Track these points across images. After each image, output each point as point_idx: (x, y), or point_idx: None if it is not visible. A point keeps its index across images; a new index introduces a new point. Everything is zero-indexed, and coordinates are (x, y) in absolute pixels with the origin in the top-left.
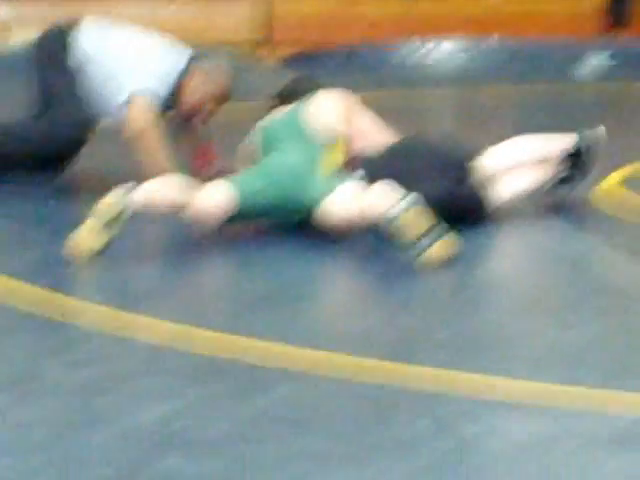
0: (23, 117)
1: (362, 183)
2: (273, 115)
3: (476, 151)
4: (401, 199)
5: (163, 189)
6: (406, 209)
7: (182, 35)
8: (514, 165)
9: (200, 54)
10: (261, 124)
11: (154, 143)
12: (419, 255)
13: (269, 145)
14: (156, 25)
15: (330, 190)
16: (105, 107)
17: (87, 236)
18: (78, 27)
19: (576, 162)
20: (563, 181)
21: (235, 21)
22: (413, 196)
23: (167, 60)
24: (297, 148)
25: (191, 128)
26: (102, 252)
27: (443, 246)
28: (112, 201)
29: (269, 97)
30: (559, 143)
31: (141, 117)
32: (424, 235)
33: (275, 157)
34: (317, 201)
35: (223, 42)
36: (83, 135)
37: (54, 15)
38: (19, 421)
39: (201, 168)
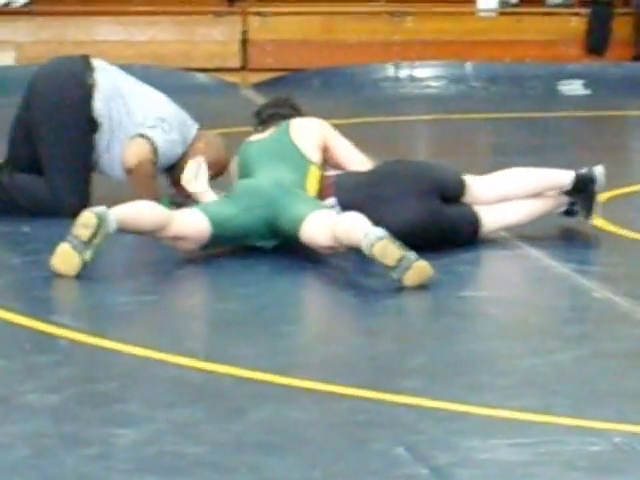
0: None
1: (333, 211)
2: (257, 137)
3: (459, 176)
4: (367, 234)
5: (139, 210)
6: (372, 244)
7: (159, 60)
8: (506, 197)
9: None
10: (246, 144)
11: (146, 179)
12: (399, 279)
13: (254, 164)
14: (134, 49)
15: (303, 217)
16: (111, 167)
17: (66, 256)
18: (92, 67)
19: (576, 199)
20: (565, 213)
21: (210, 47)
22: (379, 230)
23: (183, 123)
24: (284, 167)
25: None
26: (82, 271)
27: (419, 269)
28: (87, 219)
29: (251, 116)
30: (555, 180)
31: (139, 153)
32: (398, 262)
33: (248, 182)
34: (292, 226)
35: (199, 68)
36: (86, 202)
37: (32, 39)
38: None
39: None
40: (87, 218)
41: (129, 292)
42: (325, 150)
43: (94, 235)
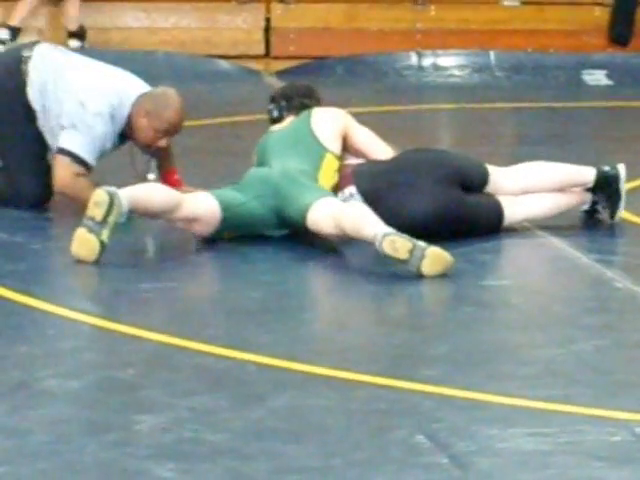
0: None
1: (338, 200)
2: (278, 126)
3: (482, 166)
4: (375, 235)
5: (149, 191)
6: (380, 243)
7: (182, 46)
8: (528, 190)
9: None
10: (267, 134)
11: (82, 192)
12: (418, 270)
13: (269, 153)
14: (157, 36)
15: (308, 205)
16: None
17: (84, 241)
18: (31, 54)
19: (600, 198)
20: (588, 212)
21: (234, 34)
22: (384, 228)
23: (116, 94)
24: (297, 157)
25: (158, 153)
26: (103, 256)
27: (435, 256)
28: (98, 196)
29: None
30: (579, 176)
31: (63, 175)
32: (410, 253)
33: (256, 171)
34: (299, 214)
35: (222, 55)
36: (48, 190)
37: (55, 25)
38: (13, 430)
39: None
40: (98, 196)
41: (150, 279)
42: (346, 139)
43: (108, 212)
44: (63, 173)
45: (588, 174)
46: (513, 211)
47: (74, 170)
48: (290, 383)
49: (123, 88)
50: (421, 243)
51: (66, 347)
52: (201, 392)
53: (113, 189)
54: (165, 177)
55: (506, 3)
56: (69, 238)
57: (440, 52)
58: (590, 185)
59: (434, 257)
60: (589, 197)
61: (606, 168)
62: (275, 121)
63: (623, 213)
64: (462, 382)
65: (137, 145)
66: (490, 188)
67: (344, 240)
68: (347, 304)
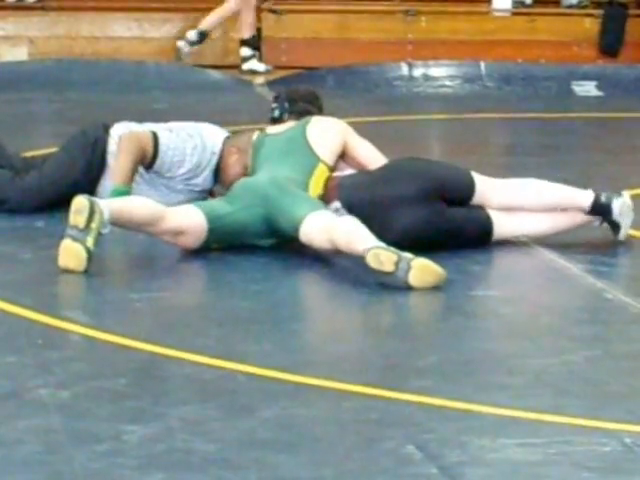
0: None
1: (332, 213)
2: (274, 129)
3: (468, 176)
4: (365, 249)
5: (131, 203)
6: (365, 257)
7: (172, 56)
8: (519, 207)
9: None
10: (262, 135)
11: (130, 146)
12: (406, 282)
13: (262, 159)
14: (148, 46)
15: (301, 218)
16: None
17: (70, 250)
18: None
19: (600, 219)
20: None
21: (225, 44)
22: (370, 241)
23: (207, 149)
24: (289, 165)
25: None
26: (92, 265)
27: (422, 267)
28: (79, 204)
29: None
30: (574, 200)
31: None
32: (396, 265)
33: (246, 181)
34: (291, 226)
35: (213, 65)
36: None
37: (46, 34)
38: (3, 440)
39: None
40: (78, 203)
41: (141, 289)
42: (346, 151)
43: (90, 219)
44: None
45: (584, 200)
46: (507, 227)
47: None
48: (281, 393)
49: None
50: (407, 255)
51: (56, 357)
52: (191, 402)
53: (92, 197)
54: None
55: (496, 14)
56: (58, 248)
57: (431, 63)
58: (586, 210)
59: (421, 268)
60: (588, 218)
61: (602, 198)
62: (275, 121)
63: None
64: (452, 392)
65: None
66: (477, 199)
67: (336, 253)
68: (337, 314)
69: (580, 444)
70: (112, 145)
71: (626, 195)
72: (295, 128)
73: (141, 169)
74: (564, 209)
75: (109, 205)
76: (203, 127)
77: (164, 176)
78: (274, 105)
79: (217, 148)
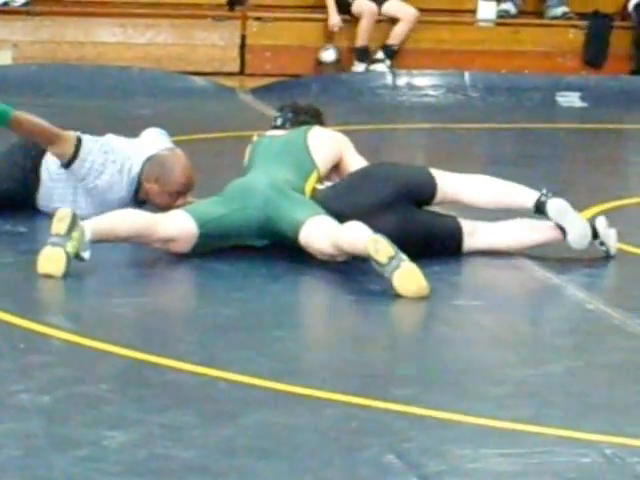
0: None
1: (332, 218)
2: (274, 132)
3: (429, 175)
4: (367, 238)
5: (114, 218)
6: (366, 242)
7: (158, 62)
8: (462, 200)
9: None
10: (261, 137)
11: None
12: (390, 279)
13: (259, 159)
14: (132, 52)
15: (302, 221)
16: None
17: (50, 256)
18: None
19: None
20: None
21: (209, 51)
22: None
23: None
24: (287, 167)
25: None
26: (71, 269)
27: (409, 270)
28: (61, 212)
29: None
30: (517, 197)
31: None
32: (389, 260)
33: (241, 182)
34: (291, 229)
35: (197, 71)
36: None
37: (30, 39)
38: None
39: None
40: (61, 212)
41: (122, 294)
42: (340, 164)
43: (71, 226)
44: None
45: (528, 198)
46: (476, 238)
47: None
48: (261, 401)
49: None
50: (404, 256)
51: (37, 362)
52: (172, 408)
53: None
54: None
55: (481, 24)
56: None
57: (415, 72)
58: (530, 209)
59: (407, 273)
60: (559, 234)
61: (542, 197)
62: (276, 129)
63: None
64: (433, 402)
65: (157, 207)
66: (439, 197)
67: (332, 260)
68: (319, 322)
69: (561, 455)
70: (52, 165)
71: (602, 219)
72: (296, 131)
73: (60, 169)
74: (510, 205)
75: (93, 227)
76: (133, 154)
77: (81, 181)
78: (277, 114)
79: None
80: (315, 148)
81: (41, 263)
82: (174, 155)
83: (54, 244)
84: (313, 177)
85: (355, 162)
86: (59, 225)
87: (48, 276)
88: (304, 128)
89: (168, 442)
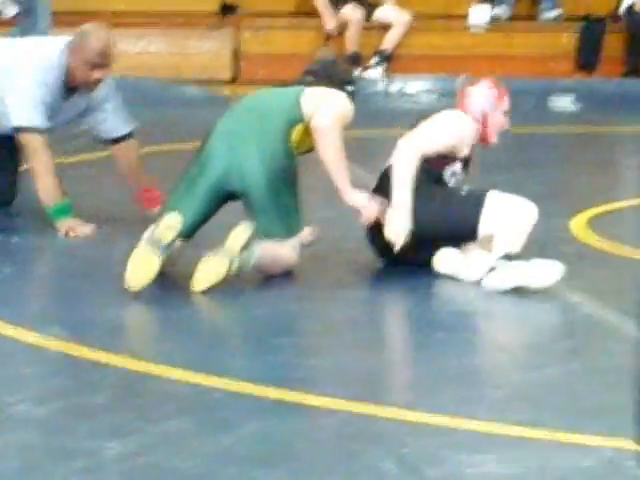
0: None
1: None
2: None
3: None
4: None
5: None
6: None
7: (151, 71)
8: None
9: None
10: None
11: (43, 165)
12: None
13: (255, 104)
14: (125, 61)
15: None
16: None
17: (145, 261)
18: None
19: None
20: None
21: (202, 59)
22: None
23: (46, 64)
24: (268, 117)
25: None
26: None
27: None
28: (170, 224)
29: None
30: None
31: (31, 143)
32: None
33: (201, 157)
34: (261, 236)
35: (190, 80)
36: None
37: None
38: None
39: (145, 203)
40: (172, 219)
41: (119, 304)
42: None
43: (173, 240)
44: (32, 142)
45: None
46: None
47: (38, 141)
48: (259, 409)
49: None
50: (237, 261)
51: (34, 373)
52: (170, 418)
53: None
54: (141, 195)
55: (473, 29)
56: (36, 263)
57: (408, 77)
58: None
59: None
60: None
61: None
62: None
63: (590, 238)
64: (431, 407)
65: (81, 88)
66: None
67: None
68: (315, 330)
69: (559, 459)
70: None
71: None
72: (296, 89)
73: None
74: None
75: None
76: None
77: None
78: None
79: None
80: (307, 102)
81: (134, 263)
82: (91, 26)
83: (152, 249)
84: (300, 128)
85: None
86: (166, 233)
87: (132, 284)
88: (299, 89)
89: (166, 452)
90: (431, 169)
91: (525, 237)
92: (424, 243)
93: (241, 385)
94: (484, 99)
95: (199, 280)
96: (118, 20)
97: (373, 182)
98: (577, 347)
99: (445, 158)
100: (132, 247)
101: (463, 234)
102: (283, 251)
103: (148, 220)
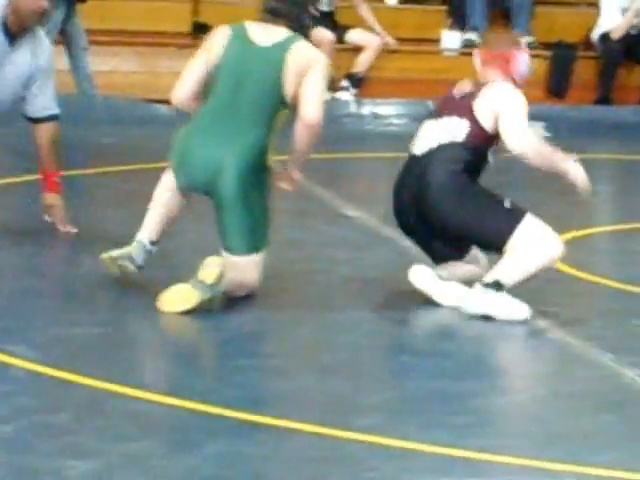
0: None
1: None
2: (258, 36)
3: None
4: None
5: None
6: None
7: (121, 90)
8: None
9: None
10: (242, 30)
11: None
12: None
13: (225, 83)
14: (96, 79)
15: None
16: None
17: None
18: None
19: None
20: None
21: (173, 79)
22: None
23: None
24: (249, 113)
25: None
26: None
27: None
28: (215, 265)
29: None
30: None
31: None
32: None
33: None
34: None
35: (161, 99)
36: None
37: None
38: None
39: (46, 187)
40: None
41: (85, 323)
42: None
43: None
44: None
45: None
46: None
47: None
48: (225, 430)
49: None
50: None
51: (1, 390)
52: (134, 438)
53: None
54: (45, 179)
55: (446, 53)
56: (1, 281)
57: (379, 101)
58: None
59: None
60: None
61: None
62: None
63: (559, 264)
64: (396, 431)
65: (27, 21)
66: None
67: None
68: (282, 351)
69: None
70: None
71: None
72: (275, 56)
73: None
74: None
75: None
76: None
77: None
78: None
79: None
80: (289, 82)
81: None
82: None
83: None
84: (282, 113)
85: (308, 88)
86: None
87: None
88: (284, 48)
89: (131, 472)
90: (481, 147)
91: (528, 276)
92: (455, 238)
93: (207, 406)
94: (525, 66)
95: (166, 302)
96: (90, 38)
97: (341, 205)
98: (543, 372)
99: (493, 137)
100: (98, 267)
101: (491, 244)
102: (249, 275)
103: (118, 241)
